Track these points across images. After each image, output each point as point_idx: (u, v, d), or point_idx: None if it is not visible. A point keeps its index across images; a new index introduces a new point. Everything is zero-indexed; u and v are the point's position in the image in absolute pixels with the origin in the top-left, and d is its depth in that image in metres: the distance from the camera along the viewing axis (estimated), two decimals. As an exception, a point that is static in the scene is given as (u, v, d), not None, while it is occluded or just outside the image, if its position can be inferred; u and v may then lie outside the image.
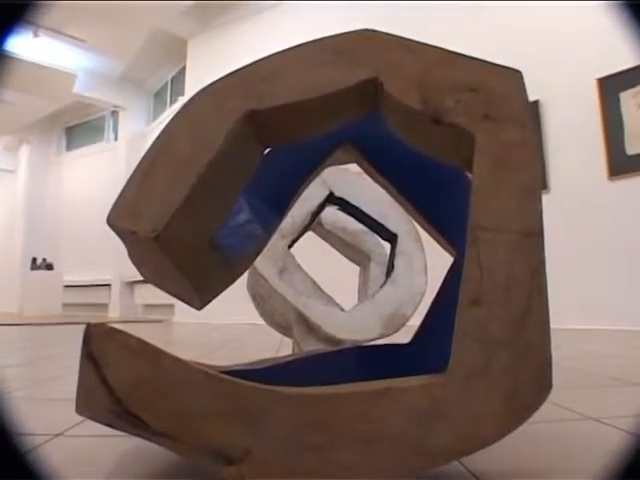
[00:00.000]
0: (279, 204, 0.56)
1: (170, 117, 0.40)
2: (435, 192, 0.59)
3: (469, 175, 0.42)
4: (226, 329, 2.98)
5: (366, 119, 0.48)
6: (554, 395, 0.38)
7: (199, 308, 0.45)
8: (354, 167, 0.69)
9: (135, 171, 0.38)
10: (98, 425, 0.35)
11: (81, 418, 0.57)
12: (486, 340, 0.34)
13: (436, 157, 0.43)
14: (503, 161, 0.36)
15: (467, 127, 0.38)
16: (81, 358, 0.31)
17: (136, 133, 6.24)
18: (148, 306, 5.56)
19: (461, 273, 0.36)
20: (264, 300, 1.22)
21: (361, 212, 1.15)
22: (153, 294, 5.03)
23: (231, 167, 0.40)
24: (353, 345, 0.66)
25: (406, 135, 0.43)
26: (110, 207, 0.37)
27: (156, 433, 0.31)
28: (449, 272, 0.57)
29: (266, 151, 0.45)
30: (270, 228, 0.54)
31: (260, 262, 1.03)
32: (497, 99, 0.38)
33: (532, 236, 0.35)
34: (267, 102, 0.40)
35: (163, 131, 0.39)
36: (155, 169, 0.37)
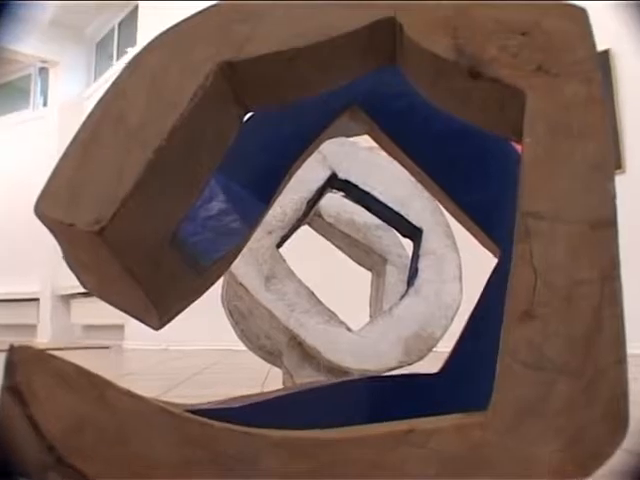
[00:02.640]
0: (264, 189, 0.56)
1: (117, 74, 0.40)
2: (472, 170, 0.60)
3: (518, 146, 0.42)
4: (194, 357, 2.98)
5: (380, 73, 0.48)
6: (630, 440, 0.38)
7: (157, 327, 0.45)
8: (364, 139, 0.70)
9: (71, 144, 0.38)
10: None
11: None
12: (541, 366, 0.34)
13: (473, 123, 0.43)
14: (563, 127, 0.37)
15: (515, 83, 0.38)
16: (1, 392, 0.31)
17: (72, 97, 6.24)
18: (89, 327, 5.57)
19: (508, 278, 0.36)
20: (245, 318, 1.22)
21: (373, 199, 1.16)
22: (96, 311, 5.03)
23: (200, 138, 0.40)
24: (363, 376, 0.66)
25: (433, 94, 0.43)
26: (38, 193, 0.37)
27: (102, 492, 0.31)
28: (492, 277, 0.58)
29: (247, 117, 0.45)
30: (252, 221, 0.54)
31: (239, 266, 1.03)
32: (555, 45, 0.38)
33: (602, 227, 0.35)
34: (248, 50, 0.40)
35: (109, 91, 0.39)
36: (98, 141, 0.37)
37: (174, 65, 0.39)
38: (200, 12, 0.42)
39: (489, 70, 0.38)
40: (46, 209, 0.36)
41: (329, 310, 1.09)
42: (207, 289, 0.50)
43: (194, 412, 0.35)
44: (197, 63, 0.39)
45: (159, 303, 0.42)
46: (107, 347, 4.32)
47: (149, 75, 0.39)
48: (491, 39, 0.39)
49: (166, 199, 0.39)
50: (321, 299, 1.10)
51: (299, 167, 0.60)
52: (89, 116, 0.38)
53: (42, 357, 0.32)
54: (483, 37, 0.39)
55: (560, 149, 0.36)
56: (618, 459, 0.37)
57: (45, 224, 0.37)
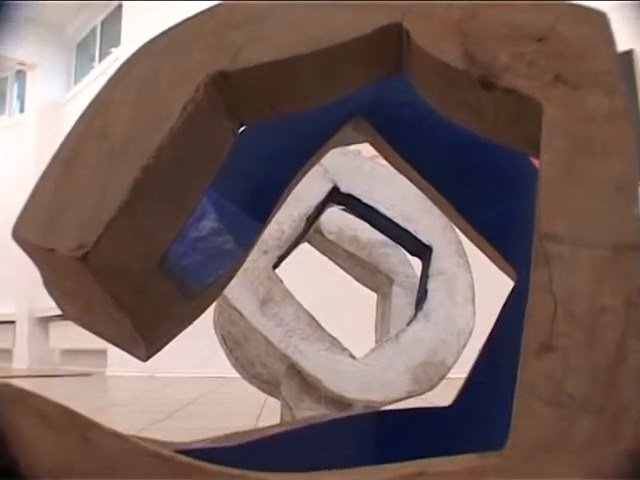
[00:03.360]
0: (260, 206, 0.56)
1: (100, 78, 0.41)
2: (485, 185, 0.60)
3: (536, 161, 0.42)
4: (183, 386, 2.98)
5: (385, 83, 0.49)
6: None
7: (145, 358, 0.45)
8: (367, 149, 0.70)
9: (51, 162, 0.38)
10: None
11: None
12: (562, 402, 0.34)
13: (486, 136, 0.43)
14: (584, 143, 0.37)
15: (531, 94, 0.38)
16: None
17: (51, 102, 6.26)
18: (69, 352, 5.56)
19: (525, 304, 0.36)
20: (239, 344, 1.22)
21: (379, 214, 1.16)
22: (76, 334, 5.03)
23: (191, 154, 0.40)
24: (368, 410, 0.66)
25: (442, 105, 0.44)
26: (17, 216, 0.37)
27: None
28: (508, 302, 0.58)
29: (241, 130, 0.45)
30: (247, 241, 0.54)
31: (233, 289, 1.04)
32: (574, 53, 0.38)
33: (626, 251, 0.35)
34: (243, 59, 0.40)
35: (92, 104, 0.39)
36: (81, 159, 0.37)
37: (163, 76, 0.39)
38: (192, 17, 0.42)
39: (502, 80, 0.38)
40: (25, 233, 0.36)
41: (331, 336, 1.09)
42: (198, 316, 0.50)
43: (185, 452, 0.35)
44: (188, 73, 0.39)
45: (146, 333, 0.42)
46: (88, 374, 4.31)
47: (136, 87, 0.39)
48: (504, 46, 0.39)
49: (154, 221, 0.39)
50: (322, 324, 1.10)
51: (298, 182, 0.61)
52: (70, 132, 0.38)
53: (23, 396, 0.32)
54: (495, 43, 0.39)
55: (581, 167, 0.36)
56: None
57: (24, 249, 0.37)
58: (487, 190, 0.60)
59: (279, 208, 0.59)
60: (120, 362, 4.00)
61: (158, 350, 0.46)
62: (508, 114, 0.39)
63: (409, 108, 0.60)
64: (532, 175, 0.52)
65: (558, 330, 0.34)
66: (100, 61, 5.95)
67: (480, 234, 0.60)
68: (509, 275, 0.60)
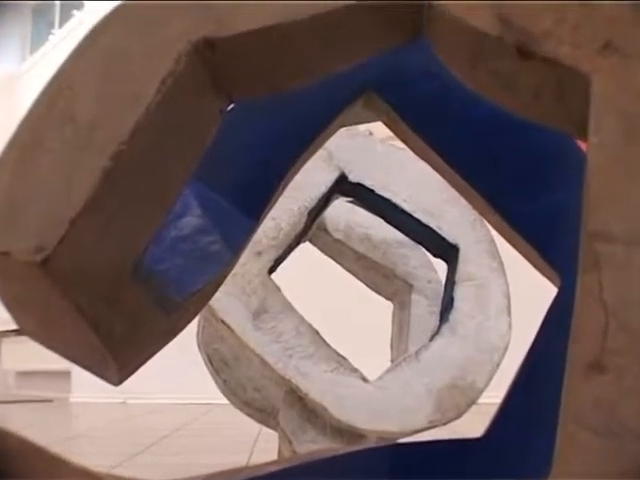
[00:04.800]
0: (253, 199, 0.57)
1: (61, 46, 0.41)
2: (522, 173, 0.60)
3: (583, 146, 0.42)
4: (161, 414, 2.98)
5: (402, 51, 0.49)
6: None
7: (117, 382, 0.46)
8: (381, 129, 0.70)
9: (6, 150, 0.38)
10: None
11: None
12: (613, 431, 0.34)
13: (523, 114, 0.43)
14: None
15: (577, 64, 0.38)
16: None
17: (4, 75, 6.28)
18: (25, 374, 5.57)
19: (571, 315, 0.36)
20: (228, 365, 1.23)
21: (395, 208, 1.16)
22: (34, 354, 5.05)
23: (171, 139, 0.40)
24: (383, 443, 0.66)
25: (471, 78, 0.44)
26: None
27: None
28: (550, 313, 0.58)
29: (230, 108, 0.45)
30: (237, 241, 0.54)
31: (220, 299, 1.04)
32: (625, 17, 0.38)
33: (691, 251, 0.35)
34: (233, 24, 0.40)
35: (54, 79, 0.39)
36: (41, 145, 0.37)
37: (136, 45, 0.39)
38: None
39: (543, 48, 0.38)
40: (-27, 234, 0.36)
41: (338, 354, 1.09)
42: (180, 331, 0.50)
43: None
44: (166, 42, 0.39)
45: (118, 351, 0.43)
46: (49, 400, 4.32)
47: (104, 59, 0.39)
48: (545, 8, 0.39)
49: (127, 218, 0.39)
50: (327, 340, 1.11)
51: (298, 170, 0.61)
52: (28, 113, 0.39)
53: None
54: (534, 6, 0.39)
55: (636, 151, 0.36)
56: None
57: (-28, 253, 0.37)
58: (525, 179, 0.60)
59: (275, 201, 0.59)
60: (86, 386, 4.01)
61: (132, 372, 0.46)
62: (549, 88, 0.39)
63: (430, 81, 0.60)
64: (579, 161, 0.52)
65: (610, 346, 0.34)
66: (60, 27, 5.95)
67: (516, 231, 0.60)
68: (552, 281, 0.60)
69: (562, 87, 0.39)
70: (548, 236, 0.58)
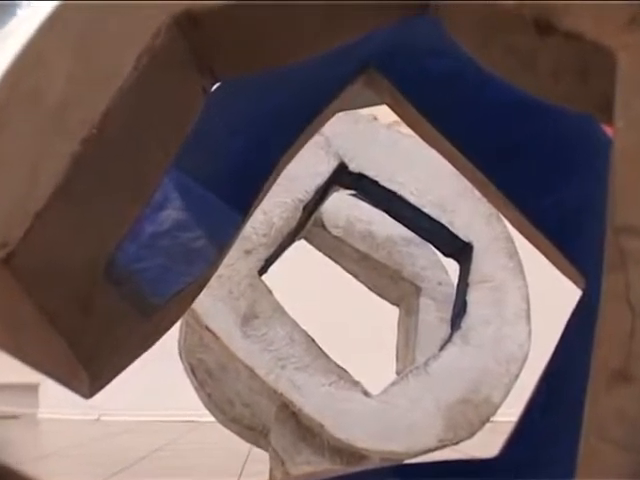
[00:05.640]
0: (240, 190, 0.57)
1: (26, 28, 0.41)
2: (542, 163, 0.60)
3: (609, 131, 0.42)
4: (139, 432, 2.98)
5: (408, 24, 0.49)
6: None
7: (89, 394, 0.46)
8: (385, 113, 0.70)
9: (-35, 133, 0.38)
10: None
11: None
12: (637, 445, 0.34)
13: (542, 96, 0.43)
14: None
15: (601, 40, 0.38)
16: None
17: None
18: (-14, 389, 5.55)
19: (596, 320, 0.37)
20: (213, 377, 1.23)
21: (402, 202, 1.17)
22: (-5, 366, 5.05)
23: (148, 121, 0.40)
24: (387, 464, 0.67)
25: (485, 56, 0.44)
26: None
27: None
28: (573, 318, 0.58)
29: (214, 88, 0.46)
30: (223, 237, 0.54)
31: (205, 303, 1.04)
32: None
33: None
34: (216, -5, 0.40)
35: (19, 57, 0.39)
36: (6, 129, 0.37)
37: (112, 19, 0.39)
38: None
39: (563, 22, 0.38)
40: None
41: (336, 365, 1.10)
42: (158, 338, 0.50)
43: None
44: (144, 15, 0.39)
45: (90, 360, 0.43)
46: (15, 417, 4.31)
47: (75, 34, 0.39)
48: (566, -21, 0.39)
49: (100, 211, 0.39)
50: (325, 349, 1.11)
51: (292, 158, 0.61)
52: (-12, 94, 0.39)
53: None
54: (555, -26, 0.40)
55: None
56: None
57: None
58: (545, 168, 0.60)
59: (266, 193, 0.59)
60: (56, 401, 4.00)
61: (106, 384, 0.46)
62: (571, 67, 0.40)
63: (440, 58, 0.60)
64: (604, 148, 0.52)
65: (636, 352, 0.35)
66: (25, -3, 5.94)
67: (536, 227, 0.60)
68: (575, 282, 0.60)
69: (585, 66, 0.39)
70: (571, 232, 0.59)
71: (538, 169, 0.60)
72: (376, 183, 1.14)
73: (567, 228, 0.59)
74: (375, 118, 1.24)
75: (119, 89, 0.38)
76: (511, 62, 0.43)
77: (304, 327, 1.10)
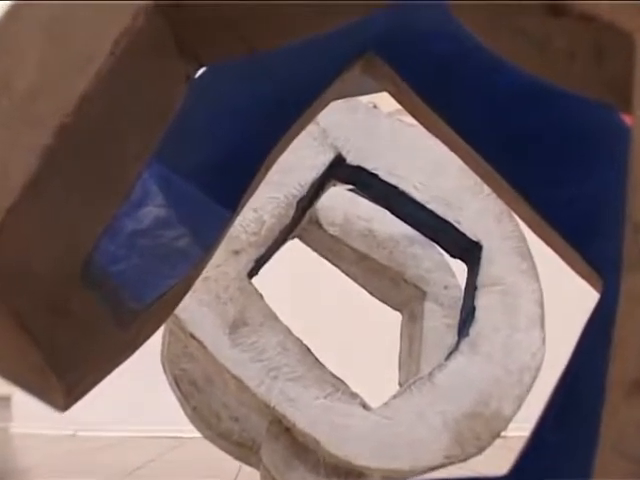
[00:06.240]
0: (228, 185, 0.57)
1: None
2: (558, 156, 0.60)
3: (627, 119, 0.42)
4: (119, 449, 2.98)
5: (409, 6, 0.49)
6: None
7: (63, 407, 0.46)
8: (386, 101, 0.70)
9: None
10: None
11: None
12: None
13: (555, 82, 0.44)
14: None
15: (618, 22, 0.39)
16: None
17: None
18: (-49, 403, 5.55)
19: (613, 324, 0.37)
20: (198, 389, 1.23)
21: (404, 197, 1.17)
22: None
23: (126, 110, 0.40)
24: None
25: (493, 38, 0.44)
26: None
27: None
28: (590, 323, 0.58)
29: (199, 74, 0.46)
30: (209, 236, 0.54)
31: (189, 308, 1.04)
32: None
33: None
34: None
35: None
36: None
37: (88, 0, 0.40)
38: None
39: (578, 4, 0.39)
40: None
41: (333, 376, 1.10)
42: (139, 346, 0.50)
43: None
44: (121, -5, 0.40)
45: (64, 370, 0.43)
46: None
47: (47, 16, 0.39)
48: (581, -46, 0.40)
49: (75, 207, 0.40)
50: (321, 358, 1.11)
51: (284, 150, 0.61)
52: (-46, 80, 0.39)
53: None
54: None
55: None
56: None
57: None
58: (560, 161, 0.60)
59: (256, 188, 0.59)
60: (30, 415, 3.99)
61: (81, 396, 0.46)
62: (585, 50, 0.40)
63: (445, 42, 0.60)
64: (624, 139, 0.52)
65: (657, 361, 0.35)
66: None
67: (551, 225, 0.60)
68: (593, 284, 0.60)
69: (601, 49, 0.39)
70: (588, 230, 0.59)
71: (552, 161, 0.60)
72: (376, 177, 1.14)
73: (584, 226, 0.59)
74: (375, 106, 1.24)
75: (95, 75, 0.38)
76: (521, 44, 0.43)
77: (298, 335, 1.10)
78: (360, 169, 1.13)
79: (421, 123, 0.64)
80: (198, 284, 0.56)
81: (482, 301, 1.14)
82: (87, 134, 0.38)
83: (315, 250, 1.36)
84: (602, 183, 0.57)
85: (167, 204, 0.52)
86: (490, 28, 0.43)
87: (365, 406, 1.08)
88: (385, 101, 0.75)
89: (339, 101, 1.00)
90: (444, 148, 0.65)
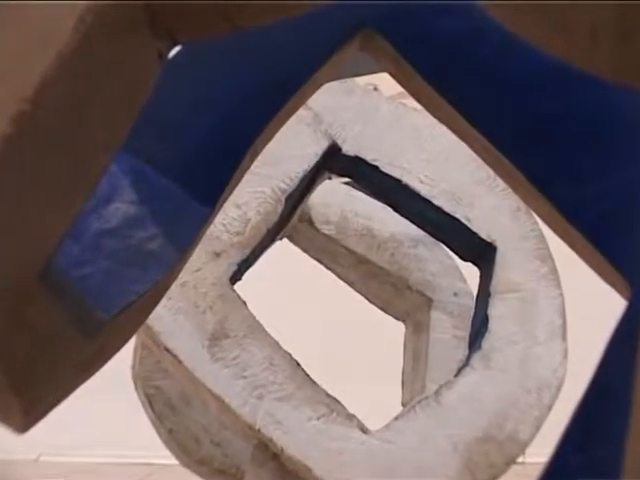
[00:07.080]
0: (206, 179, 0.57)
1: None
2: (581, 146, 0.61)
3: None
4: (87, 476, 2.99)
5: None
6: None
7: (22, 429, 0.46)
8: (387, 83, 0.71)
9: None
10: None
11: None
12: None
13: (577, 63, 0.44)
14: None
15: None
16: None
17: None
18: None
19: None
20: (175, 410, 1.23)
21: (407, 192, 1.17)
22: None
23: (92, 96, 0.41)
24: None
25: (509, 14, 0.45)
26: None
27: None
28: (617, 334, 0.58)
29: (174, 53, 0.46)
30: (185, 236, 0.55)
31: (165, 319, 1.04)
32: None
33: None
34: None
35: None
36: None
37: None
38: None
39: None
40: None
41: (327, 394, 1.10)
42: (106, 361, 0.50)
43: None
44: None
45: (23, 386, 0.43)
46: None
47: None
48: None
49: (34, 204, 0.40)
50: (312, 375, 1.11)
51: (270, 138, 0.61)
52: None
53: None
54: None
55: None
56: None
57: None
58: (582, 152, 0.60)
59: (239, 181, 0.59)
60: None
61: (42, 416, 0.47)
62: (608, 28, 0.40)
63: (455, 18, 0.60)
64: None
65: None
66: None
67: (572, 224, 0.60)
68: (619, 290, 0.60)
69: (624, 27, 0.39)
70: (614, 230, 0.59)
71: (574, 153, 0.60)
72: (376, 168, 1.14)
73: (609, 225, 0.59)
74: (375, 89, 1.25)
75: (57, 56, 0.38)
76: (539, 23, 0.43)
77: (286, 348, 1.10)
78: (358, 160, 1.13)
79: (426, 108, 0.64)
80: (173, 291, 0.56)
81: (496, 310, 1.14)
82: (48, 122, 0.38)
83: (307, 252, 1.36)
84: (630, 177, 0.57)
85: (138, 200, 0.52)
86: (505, 7, 0.44)
87: (363, 429, 1.08)
88: (386, 83, 0.75)
89: (334, 82, 1.00)
90: (452, 136, 0.65)
